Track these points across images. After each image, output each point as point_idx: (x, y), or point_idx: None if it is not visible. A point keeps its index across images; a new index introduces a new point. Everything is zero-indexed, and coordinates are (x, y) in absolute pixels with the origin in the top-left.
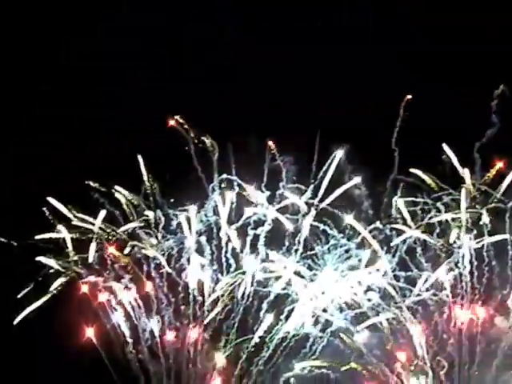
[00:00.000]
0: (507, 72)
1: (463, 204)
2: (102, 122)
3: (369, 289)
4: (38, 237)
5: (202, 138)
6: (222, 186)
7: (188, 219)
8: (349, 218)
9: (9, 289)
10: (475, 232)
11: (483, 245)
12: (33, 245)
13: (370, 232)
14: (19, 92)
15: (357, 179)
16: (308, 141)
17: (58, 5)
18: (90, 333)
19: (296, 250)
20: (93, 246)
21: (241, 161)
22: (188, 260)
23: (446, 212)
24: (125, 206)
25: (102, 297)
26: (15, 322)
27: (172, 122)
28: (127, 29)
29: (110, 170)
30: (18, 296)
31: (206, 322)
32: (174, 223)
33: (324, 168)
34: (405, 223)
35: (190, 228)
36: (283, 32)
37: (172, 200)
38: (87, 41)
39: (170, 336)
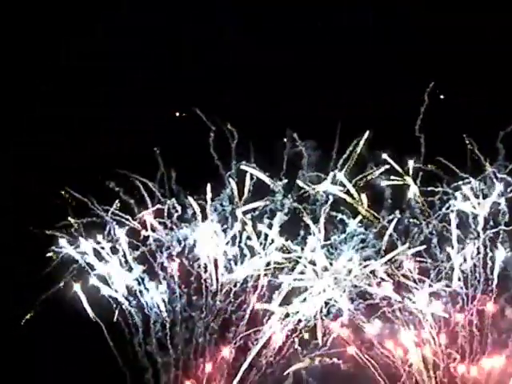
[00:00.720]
0: None
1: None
2: (102, 122)
3: (382, 279)
4: (48, 231)
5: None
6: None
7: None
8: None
9: (9, 288)
10: (492, 223)
11: (498, 235)
12: (34, 244)
13: (389, 222)
14: (19, 92)
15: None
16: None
17: (58, 5)
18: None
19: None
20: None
21: (259, 149)
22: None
23: (463, 202)
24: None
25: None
26: (22, 322)
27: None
28: (127, 29)
29: (123, 164)
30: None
31: (215, 312)
32: (190, 212)
33: (345, 155)
34: (422, 213)
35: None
36: (283, 32)
37: (188, 192)
38: (87, 41)
39: (174, 267)
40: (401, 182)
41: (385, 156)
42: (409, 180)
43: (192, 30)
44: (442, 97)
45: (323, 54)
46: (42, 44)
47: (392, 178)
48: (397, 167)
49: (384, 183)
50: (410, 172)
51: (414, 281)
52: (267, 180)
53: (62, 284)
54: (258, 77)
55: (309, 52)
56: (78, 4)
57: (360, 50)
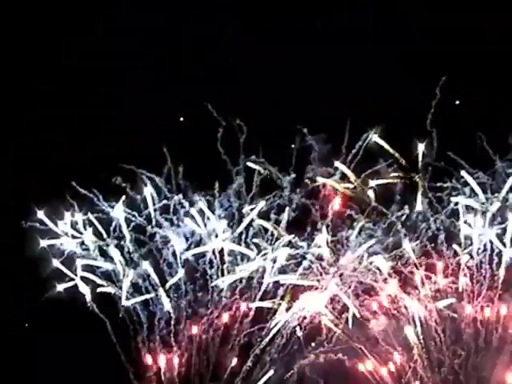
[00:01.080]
0: None
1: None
2: (102, 122)
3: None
4: (56, 225)
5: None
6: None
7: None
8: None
9: (9, 288)
10: (499, 219)
11: (505, 231)
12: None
13: (398, 218)
14: (19, 92)
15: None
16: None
17: (58, 5)
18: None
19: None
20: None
21: (267, 145)
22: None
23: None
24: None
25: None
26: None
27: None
28: (127, 29)
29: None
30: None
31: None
32: (196, 208)
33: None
34: (430, 209)
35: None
36: (283, 32)
37: (195, 187)
38: (87, 41)
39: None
40: (395, 180)
41: (375, 138)
42: (416, 178)
43: (192, 29)
44: (457, 102)
45: (323, 54)
46: (42, 44)
47: (393, 175)
48: (389, 149)
49: (374, 183)
50: (420, 157)
51: (421, 277)
52: (275, 175)
53: (66, 281)
54: (258, 77)
55: (309, 52)
56: (78, 4)
57: (360, 50)
